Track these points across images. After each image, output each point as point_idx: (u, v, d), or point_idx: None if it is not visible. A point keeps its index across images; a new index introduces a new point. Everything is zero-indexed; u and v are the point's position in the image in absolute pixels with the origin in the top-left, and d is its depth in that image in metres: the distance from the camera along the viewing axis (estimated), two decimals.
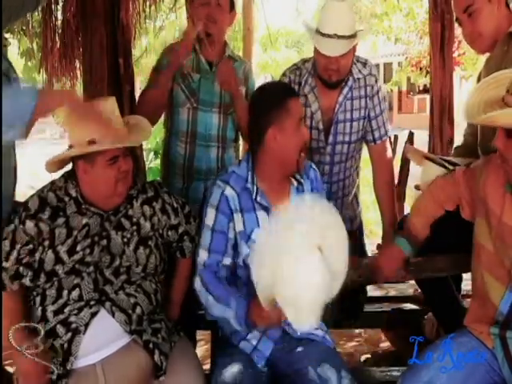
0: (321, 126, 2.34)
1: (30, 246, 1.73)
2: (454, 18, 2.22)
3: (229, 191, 1.79)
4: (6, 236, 1.73)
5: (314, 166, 1.98)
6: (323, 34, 2.13)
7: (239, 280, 1.83)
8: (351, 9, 2.26)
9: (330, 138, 2.35)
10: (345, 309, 2.44)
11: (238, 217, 1.79)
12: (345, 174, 2.46)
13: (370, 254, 2.79)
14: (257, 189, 1.81)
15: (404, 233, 1.98)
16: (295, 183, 1.88)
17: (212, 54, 2.48)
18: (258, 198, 1.80)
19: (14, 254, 1.72)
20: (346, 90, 2.29)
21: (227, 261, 1.81)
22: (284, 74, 2.39)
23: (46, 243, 1.73)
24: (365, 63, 2.33)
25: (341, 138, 2.35)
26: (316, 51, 2.20)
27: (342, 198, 2.51)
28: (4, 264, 1.71)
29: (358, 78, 2.31)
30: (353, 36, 2.14)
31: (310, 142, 2.21)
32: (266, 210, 1.81)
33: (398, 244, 1.96)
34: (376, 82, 2.35)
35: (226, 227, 1.79)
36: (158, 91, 2.41)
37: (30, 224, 1.73)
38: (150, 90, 2.46)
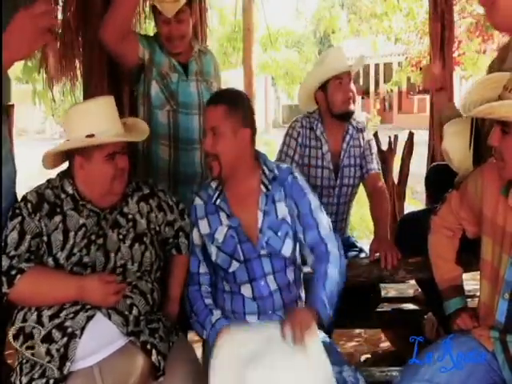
0: (331, 167, 2.61)
1: (38, 239, 1.72)
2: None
3: (197, 201, 1.95)
4: (13, 228, 1.71)
5: (294, 173, 1.95)
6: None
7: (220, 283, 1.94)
8: None
9: (338, 181, 2.63)
10: (354, 309, 2.45)
11: (203, 222, 1.92)
12: (347, 213, 2.76)
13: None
14: (219, 193, 1.91)
15: (451, 294, 1.89)
16: (264, 190, 1.89)
17: (182, 57, 2.44)
18: (218, 202, 1.90)
19: (25, 244, 1.70)
20: (348, 137, 2.63)
21: (203, 268, 1.94)
22: (296, 120, 2.67)
23: (45, 248, 1.73)
24: (358, 122, 2.70)
25: (346, 181, 2.65)
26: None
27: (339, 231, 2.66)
28: (13, 252, 1.68)
29: (357, 128, 2.65)
30: None
31: (322, 179, 2.60)
32: (226, 211, 1.89)
33: (456, 306, 1.86)
34: (368, 135, 2.71)
35: (193, 234, 1.95)
36: None
37: (35, 218, 1.73)
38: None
